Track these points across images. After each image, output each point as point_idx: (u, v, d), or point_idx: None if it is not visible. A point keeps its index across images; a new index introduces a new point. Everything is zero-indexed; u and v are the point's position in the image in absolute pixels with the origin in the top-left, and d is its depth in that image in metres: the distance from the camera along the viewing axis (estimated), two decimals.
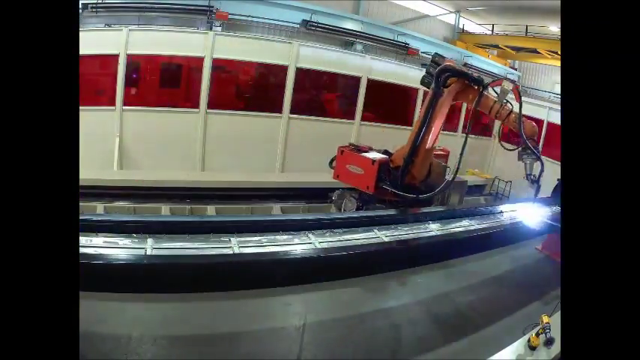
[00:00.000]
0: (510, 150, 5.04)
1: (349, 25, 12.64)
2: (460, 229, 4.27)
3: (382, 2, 13.90)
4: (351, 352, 3.75)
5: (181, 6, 9.79)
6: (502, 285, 5.48)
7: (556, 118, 11.43)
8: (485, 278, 5.49)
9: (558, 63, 14.05)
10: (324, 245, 3.28)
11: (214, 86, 8.98)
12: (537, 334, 3.27)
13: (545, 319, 3.34)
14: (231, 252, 2.95)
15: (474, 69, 15.28)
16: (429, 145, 5.32)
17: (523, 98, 4.99)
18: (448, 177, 6.03)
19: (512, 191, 11.65)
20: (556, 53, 13.69)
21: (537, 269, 6.10)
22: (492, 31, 16.92)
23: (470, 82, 5.07)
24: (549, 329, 3.26)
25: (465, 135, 5.08)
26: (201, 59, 8.69)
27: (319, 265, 3.12)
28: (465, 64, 15.20)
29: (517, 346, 3.30)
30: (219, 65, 9.02)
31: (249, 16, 10.46)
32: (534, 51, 14.89)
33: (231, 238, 3.11)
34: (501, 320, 4.44)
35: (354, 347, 3.81)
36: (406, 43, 13.27)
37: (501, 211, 5.57)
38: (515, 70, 18.17)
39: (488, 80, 5.22)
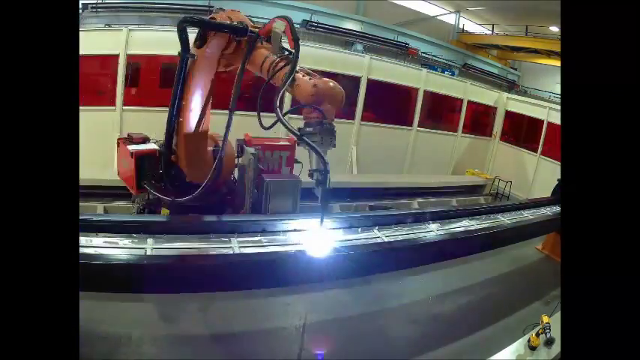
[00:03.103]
0: (267, 128, 3.17)
1: (349, 25, 12.65)
2: (460, 229, 4.25)
3: (382, 2, 13.90)
4: (352, 351, 3.76)
5: (181, 6, 9.80)
6: (502, 285, 5.49)
7: (556, 118, 11.44)
8: (486, 278, 5.50)
9: (558, 63, 14.05)
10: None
11: (214, 86, 8.97)
12: (537, 334, 3.28)
13: (545, 319, 3.34)
14: (231, 252, 2.95)
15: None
16: (189, 129, 3.98)
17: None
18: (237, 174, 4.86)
19: (513, 191, 11.66)
20: (556, 53, 13.70)
21: (537, 269, 6.11)
22: (492, 31, 16.93)
23: (231, 34, 3.67)
24: (549, 329, 3.27)
25: (228, 111, 3.76)
26: None
27: (319, 265, 3.11)
28: (465, 64, 15.23)
29: (517, 346, 3.30)
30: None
31: (249, 16, 10.47)
32: (534, 51, 14.91)
33: (231, 238, 3.10)
34: (501, 320, 4.45)
35: (354, 347, 3.82)
36: (406, 43, 13.28)
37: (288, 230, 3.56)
38: (515, 70, 18.18)
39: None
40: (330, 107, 2.89)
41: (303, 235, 3.29)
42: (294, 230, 3.36)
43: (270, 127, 3.12)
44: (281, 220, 3.48)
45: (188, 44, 3.81)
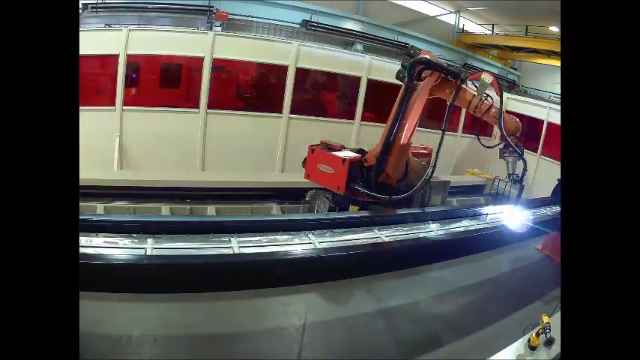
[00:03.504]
0: (490, 147, 4.86)
1: (349, 25, 12.64)
2: (460, 229, 4.26)
3: (382, 2, 13.89)
4: (351, 352, 3.75)
5: (181, 6, 9.80)
6: (502, 285, 5.48)
7: (556, 118, 11.42)
8: (486, 278, 5.49)
9: (558, 63, 14.04)
10: (324, 245, 3.27)
11: (214, 86, 8.98)
12: (537, 334, 3.27)
13: (545, 319, 3.34)
14: (231, 252, 2.95)
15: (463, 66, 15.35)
16: (403, 141, 5.09)
17: (509, 95, 5.37)
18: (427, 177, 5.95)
19: (513, 191, 11.64)
20: (556, 53, 13.68)
21: (537, 269, 6.11)
22: (492, 31, 16.92)
23: (446, 75, 4.83)
24: (549, 329, 3.26)
25: (441, 132, 4.79)
26: (201, 59, 8.69)
27: (319, 265, 3.12)
28: (465, 64, 15.22)
29: (517, 346, 3.30)
30: (219, 65, 9.02)
31: (249, 16, 10.47)
32: (534, 51, 14.89)
33: (231, 238, 3.11)
34: (501, 320, 4.44)
35: (353, 347, 3.82)
36: (406, 43, 13.28)
37: (487, 214, 5.23)
38: (515, 70, 18.16)
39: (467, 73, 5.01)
40: (518, 135, 4.56)
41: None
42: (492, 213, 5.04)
43: (493, 147, 4.74)
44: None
45: (414, 78, 4.87)
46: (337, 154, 5.28)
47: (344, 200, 5.44)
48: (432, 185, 5.90)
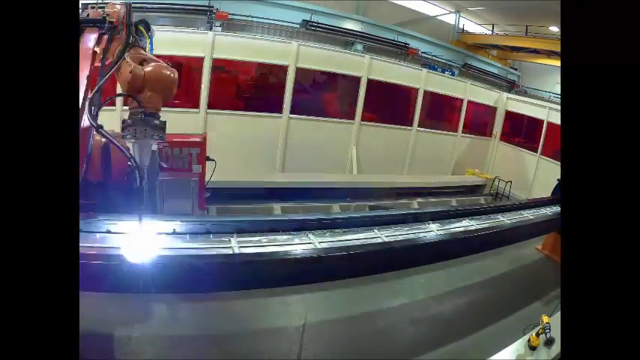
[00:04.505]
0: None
1: (349, 25, 12.64)
2: (460, 229, 4.25)
3: (382, 2, 13.89)
4: (351, 351, 3.76)
5: (181, 6, 9.80)
6: (502, 285, 5.49)
7: (556, 118, 11.43)
8: (486, 278, 5.50)
9: (558, 63, 14.04)
10: (324, 245, 3.27)
11: (214, 86, 8.99)
12: (537, 334, 3.28)
13: (545, 319, 3.34)
14: (231, 252, 2.95)
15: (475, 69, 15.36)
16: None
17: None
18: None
19: (513, 191, 11.66)
20: (556, 53, 13.69)
21: (537, 269, 6.12)
22: (492, 31, 16.91)
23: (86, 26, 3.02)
24: (549, 329, 3.26)
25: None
26: (201, 59, 8.70)
27: (319, 265, 3.12)
28: (465, 64, 15.23)
29: (517, 346, 3.30)
30: (219, 65, 9.03)
31: (249, 16, 10.46)
32: (534, 51, 14.89)
33: (231, 238, 3.11)
34: (501, 320, 4.45)
35: (353, 347, 3.82)
36: (406, 43, 13.27)
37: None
38: (515, 70, 18.16)
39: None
40: (152, 95, 2.45)
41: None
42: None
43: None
44: None
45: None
46: None
47: None
48: (162, 185, 4.04)
